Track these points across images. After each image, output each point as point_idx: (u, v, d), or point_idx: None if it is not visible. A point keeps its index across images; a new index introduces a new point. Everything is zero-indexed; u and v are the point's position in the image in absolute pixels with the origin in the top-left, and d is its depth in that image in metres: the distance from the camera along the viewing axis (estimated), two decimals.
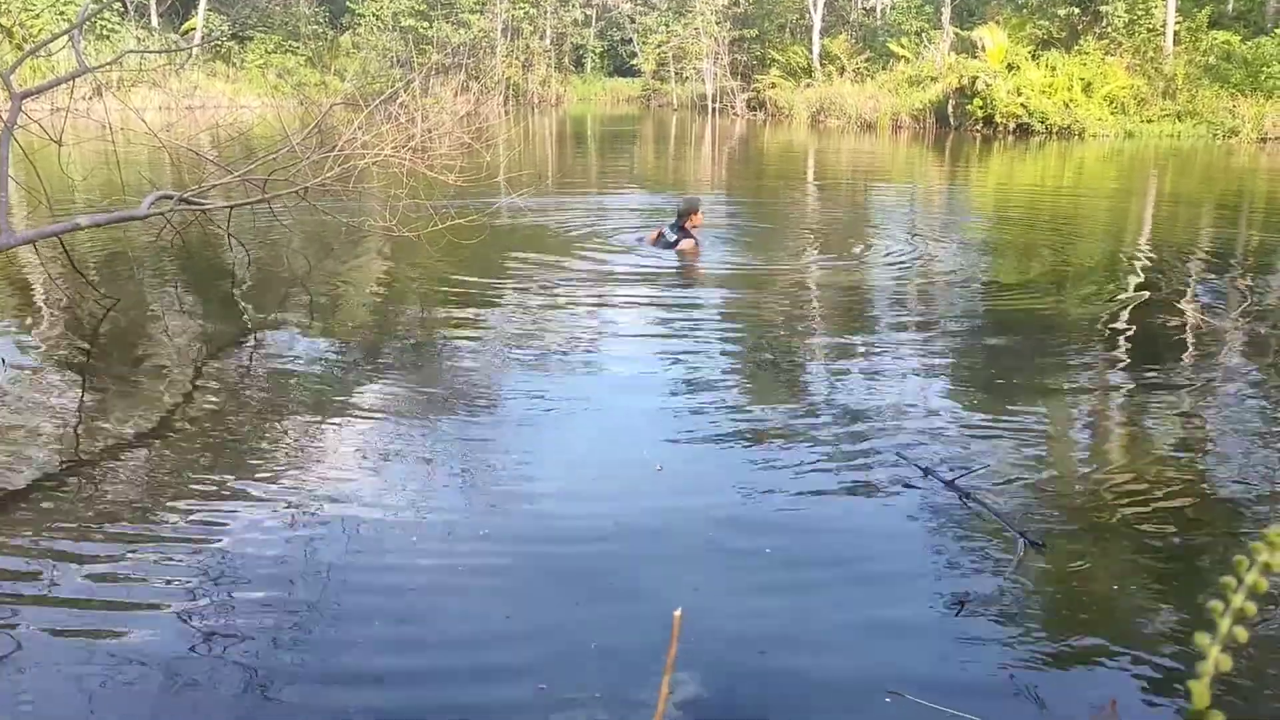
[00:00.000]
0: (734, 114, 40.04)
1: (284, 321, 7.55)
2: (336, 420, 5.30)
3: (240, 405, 5.60)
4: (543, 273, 9.10)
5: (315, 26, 46.79)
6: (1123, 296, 8.62)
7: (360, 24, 44.51)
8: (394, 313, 8.00)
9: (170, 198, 8.06)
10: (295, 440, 5.01)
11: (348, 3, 46.22)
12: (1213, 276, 9.75)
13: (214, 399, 5.71)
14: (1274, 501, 4.41)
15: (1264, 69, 26.56)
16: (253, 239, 9.56)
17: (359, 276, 9.25)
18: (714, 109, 40.99)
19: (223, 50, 40.33)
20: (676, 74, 46.12)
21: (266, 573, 3.67)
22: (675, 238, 9.79)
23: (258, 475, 4.54)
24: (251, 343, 6.95)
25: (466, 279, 8.82)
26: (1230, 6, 32.51)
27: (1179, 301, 8.44)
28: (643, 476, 4.62)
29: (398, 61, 40.79)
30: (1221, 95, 26.41)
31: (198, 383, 6.03)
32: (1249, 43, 28.18)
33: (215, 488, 4.41)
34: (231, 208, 8.66)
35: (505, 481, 4.53)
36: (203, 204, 8.42)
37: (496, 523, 4.13)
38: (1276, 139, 23.71)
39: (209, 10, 41.42)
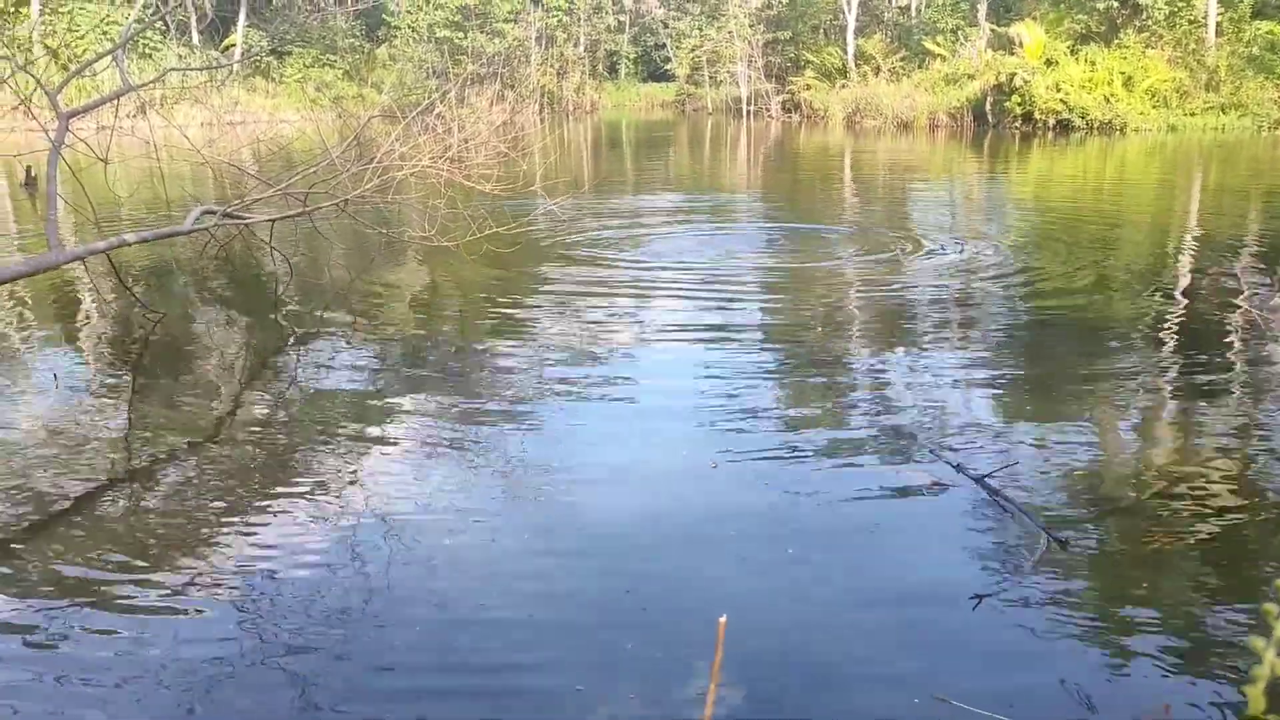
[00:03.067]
0: (769, 116, 39.95)
1: (326, 332, 7.64)
2: (379, 429, 5.36)
3: (285, 415, 5.68)
4: (581, 278, 9.13)
5: (352, 40, 47.33)
6: (1167, 293, 8.49)
7: (396, 36, 45.03)
8: (435, 322, 8.06)
9: (213, 212, 8.18)
10: (339, 449, 5.07)
11: (384, 16, 46.76)
12: (1261, 272, 9.57)
13: (259, 409, 5.79)
14: None
15: None
16: (294, 251, 9.67)
17: (399, 286, 9.33)
18: (749, 112, 40.92)
19: (262, 65, 40.91)
20: (710, 78, 46.11)
21: (312, 580, 3.71)
22: None
23: (302, 484, 4.60)
24: (295, 353, 7.04)
25: (505, 286, 8.88)
26: None
27: (1226, 298, 8.30)
28: (683, 480, 4.63)
29: (434, 72, 41.18)
30: (1266, 86, 25.97)
31: (243, 394, 6.12)
32: None
33: (261, 497, 4.47)
34: (273, 221, 8.77)
35: (548, 486, 4.54)
36: (245, 218, 8.54)
37: (539, 526, 4.15)
38: None
39: (248, 27, 42.06)
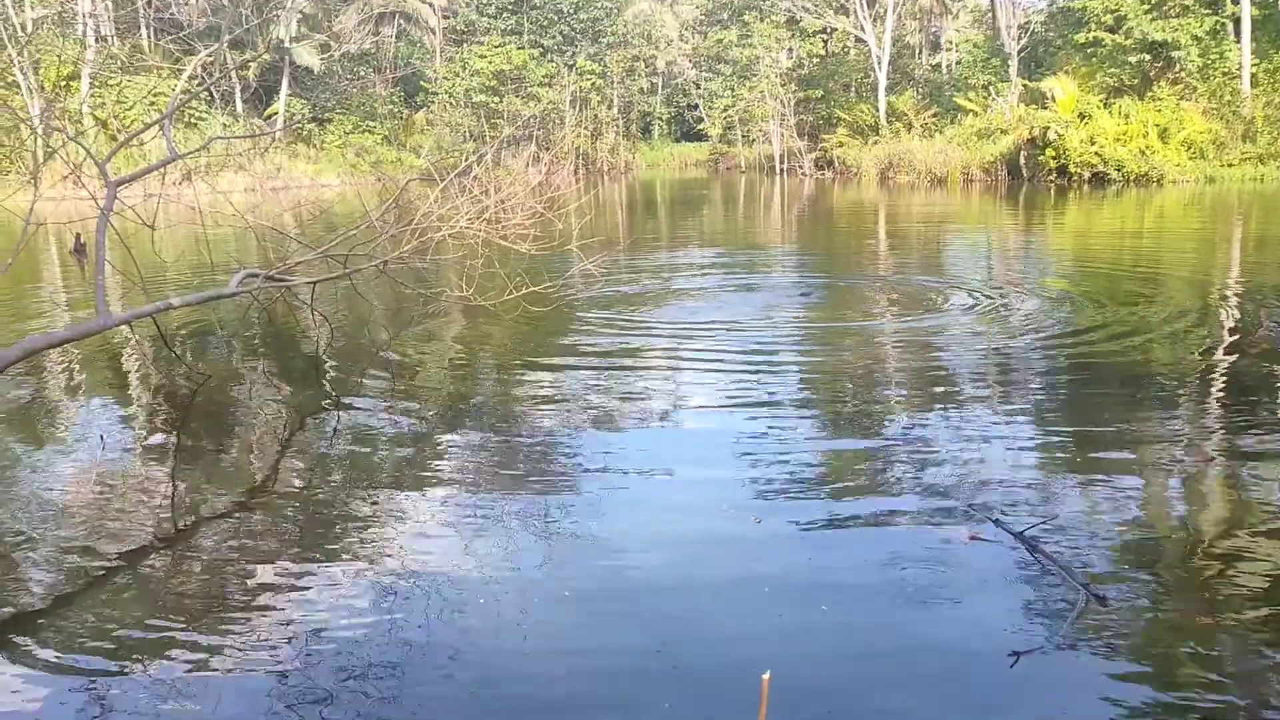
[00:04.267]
0: (802, 174, 40.21)
1: (366, 392, 7.71)
2: (418, 488, 5.37)
3: (325, 476, 5.71)
4: (617, 337, 9.17)
5: (391, 106, 48.45)
6: (1210, 345, 8.38)
7: (434, 102, 46.00)
8: (472, 383, 8.12)
9: (256, 275, 8.34)
10: (379, 509, 5.09)
11: (421, 82, 47.85)
12: None
13: (300, 470, 5.83)
14: None
15: None
16: (335, 312, 9.82)
17: (438, 347, 9.42)
18: (782, 169, 41.22)
19: (304, 133, 41.88)
20: (743, 136, 46.59)
21: (351, 642, 3.71)
22: None
23: (343, 547, 4.61)
24: (335, 414, 7.10)
25: (542, 347, 8.94)
26: None
27: (1269, 349, 8.17)
28: (720, 541, 4.60)
29: (470, 136, 41.92)
30: None
31: (284, 455, 6.17)
32: None
33: (302, 559, 4.49)
34: (315, 283, 8.92)
35: (585, 549, 4.52)
36: (287, 280, 8.69)
37: (576, 589, 4.12)
38: None
39: (290, 96, 43.18)
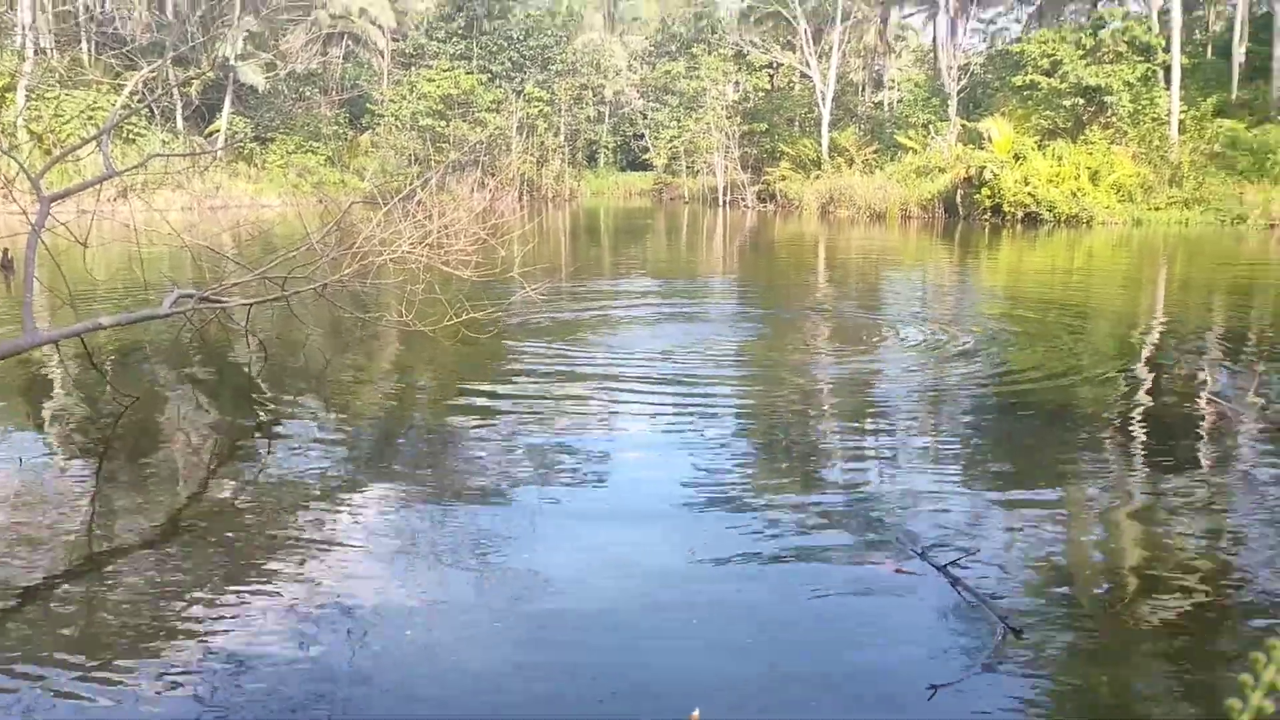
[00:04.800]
0: (745, 206, 40.66)
1: (299, 416, 7.62)
2: (348, 516, 5.32)
3: (253, 501, 5.63)
4: (556, 364, 9.18)
5: (336, 127, 48.07)
6: (1134, 384, 8.62)
7: (379, 124, 45.74)
8: (409, 407, 8.06)
9: (190, 296, 8.21)
10: (306, 536, 5.02)
11: (368, 104, 47.58)
12: (1226, 364, 9.75)
13: (227, 495, 5.74)
14: (1276, 603, 4.35)
15: (1270, 156, 26.92)
16: (270, 335, 9.69)
17: (375, 371, 9.35)
18: (725, 201, 41.63)
19: (245, 151, 41.39)
20: (688, 167, 47.00)
21: (276, 671, 3.65)
22: None
23: (269, 573, 4.55)
24: (266, 438, 7.01)
25: (481, 372, 8.91)
26: (1235, 95, 33.07)
27: (1192, 390, 8.44)
28: (653, 569, 4.62)
29: (415, 159, 41.75)
30: (1228, 182, 26.72)
31: (211, 479, 6.07)
32: (1255, 130, 28.60)
33: (227, 584, 4.41)
34: (251, 305, 8.81)
35: (517, 576, 4.51)
36: (222, 302, 8.57)
37: (507, 615, 4.11)
38: None
39: (233, 114, 42.64)
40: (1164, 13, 33.43)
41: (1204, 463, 6.36)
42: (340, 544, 4.91)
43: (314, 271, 9.06)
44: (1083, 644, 3.96)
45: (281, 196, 37.42)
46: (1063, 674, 3.74)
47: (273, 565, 4.64)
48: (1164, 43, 31.03)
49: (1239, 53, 34.38)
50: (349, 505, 5.49)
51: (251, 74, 42.25)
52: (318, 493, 5.73)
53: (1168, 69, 30.81)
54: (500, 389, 8.38)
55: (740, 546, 4.84)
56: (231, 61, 41.34)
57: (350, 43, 52.32)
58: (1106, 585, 4.48)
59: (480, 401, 7.98)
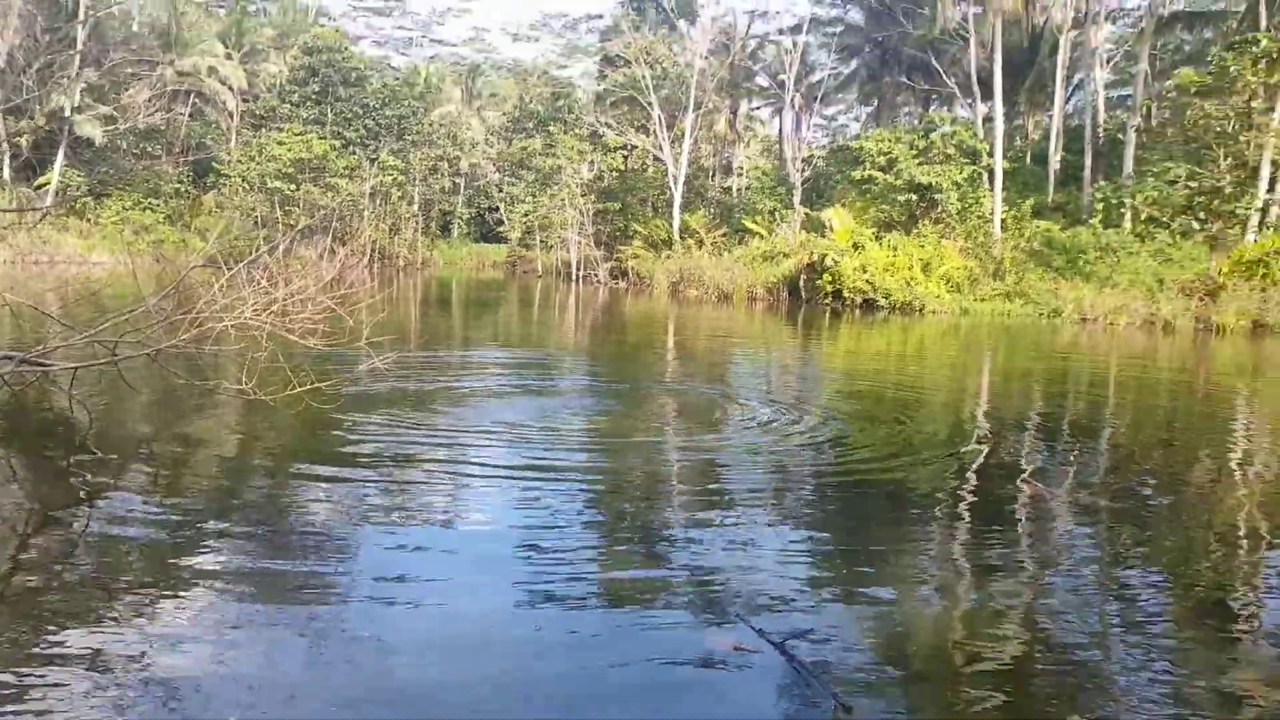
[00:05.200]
0: (597, 281, 41.20)
1: (125, 487, 7.24)
2: (174, 590, 5.07)
3: (69, 575, 5.30)
4: (401, 437, 9.04)
5: (178, 185, 46.50)
6: (963, 465, 9.09)
7: (226, 184, 44.50)
8: (244, 478, 7.78)
9: (11, 358, 7.76)
10: (128, 612, 4.76)
11: (214, 163, 46.26)
12: (1043, 445, 10.42)
13: (41, 570, 5.39)
14: (1099, 667, 4.65)
15: (1081, 255, 29.14)
16: (97, 401, 9.21)
17: (210, 441, 8.99)
18: (578, 276, 42.09)
19: (78, 206, 39.50)
20: (542, 241, 47.41)
21: None
22: None
23: (84, 650, 4.28)
24: (87, 510, 6.62)
25: (322, 443, 8.69)
26: (1050, 199, 35.81)
27: (1014, 468, 8.97)
28: (495, 643, 4.58)
29: (262, 222, 40.69)
30: (1045, 278, 28.73)
31: (24, 552, 5.69)
32: (1068, 232, 30.96)
33: (38, 663, 4.13)
34: (76, 369, 8.37)
35: (355, 651, 4.39)
36: (46, 364, 8.13)
37: (344, 692, 3.99)
38: (1094, 320, 25.78)
39: (66, 166, 40.75)
40: (988, 120, 36.09)
41: (1024, 540, 6.75)
42: (165, 620, 4.67)
43: (148, 335, 8.69)
44: (910, 717, 4.13)
45: (115, 254, 35.75)
46: None
47: (91, 641, 4.37)
48: (988, 148, 33.44)
49: (1054, 160, 37.35)
50: (176, 579, 5.24)
51: (89, 126, 40.57)
52: (142, 567, 5.45)
53: (991, 172, 33.16)
54: (341, 461, 8.18)
55: (583, 620, 4.86)
56: (67, 113, 39.62)
57: (198, 101, 50.95)
58: (934, 659, 4.69)
59: (320, 472, 7.77)
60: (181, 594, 5.03)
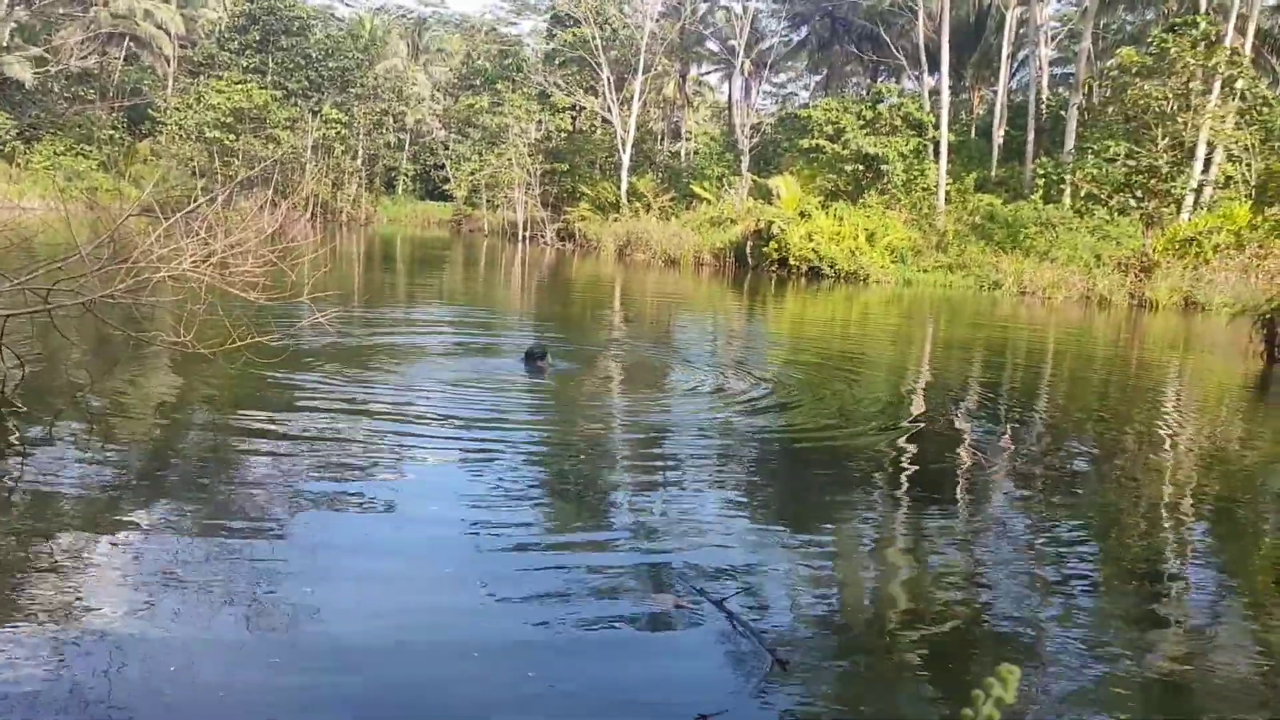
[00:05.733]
0: (544, 243, 40.93)
1: (58, 438, 7.08)
2: (109, 543, 4.98)
3: (2, 525, 5.18)
4: (342, 393, 8.94)
5: (112, 131, 45.16)
6: (902, 432, 9.24)
7: (162, 132, 43.29)
8: (181, 431, 7.64)
9: None
10: (62, 562, 4.67)
11: (150, 110, 44.95)
12: (981, 414, 10.63)
13: None
14: (1028, 628, 4.79)
15: (1022, 230, 29.58)
16: (28, 350, 8.96)
17: (147, 393, 8.81)
18: (524, 237, 41.77)
19: (6, 149, 38.19)
20: (488, 201, 46.88)
21: (28, 698, 3.38)
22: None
23: (18, 600, 4.20)
24: (18, 462, 6.47)
25: (262, 397, 8.56)
26: (994, 173, 36.27)
27: (952, 437, 9.14)
28: (437, 605, 4.58)
29: (200, 172, 39.69)
30: (986, 251, 29.13)
31: None
32: (1009, 206, 31.40)
33: None
34: (7, 317, 8.12)
35: (294, 610, 4.36)
36: None
37: (282, 649, 3.98)
38: (1033, 293, 26.25)
39: None
40: (934, 93, 36.36)
41: (961, 506, 6.90)
42: (99, 572, 4.60)
43: (82, 284, 8.45)
44: (846, 673, 4.23)
45: (46, 200, 34.67)
46: (824, 702, 3.99)
47: (25, 593, 4.29)
48: (934, 121, 33.71)
49: (998, 135, 37.79)
50: (112, 532, 5.15)
51: (19, 68, 39.15)
52: (77, 519, 5.35)
53: (937, 144, 33.47)
54: (281, 416, 8.07)
55: (525, 580, 4.88)
56: None
57: (133, 45, 49.38)
58: (869, 618, 4.80)
59: (259, 427, 7.66)
60: (115, 548, 4.95)
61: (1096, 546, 6.20)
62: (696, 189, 38.79)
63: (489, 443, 7.63)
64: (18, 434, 7.10)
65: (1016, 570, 5.57)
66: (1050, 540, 6.20)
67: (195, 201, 10.20)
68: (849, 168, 32.80)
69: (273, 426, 7.69)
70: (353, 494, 6.10)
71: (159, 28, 48.36)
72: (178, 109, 43.25)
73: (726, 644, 4.30)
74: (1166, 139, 28.56)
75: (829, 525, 6.25)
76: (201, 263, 8.59)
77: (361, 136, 50.59)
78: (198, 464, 6.69)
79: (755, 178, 37.40)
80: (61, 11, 43.69)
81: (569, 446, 7.86)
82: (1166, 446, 9.41)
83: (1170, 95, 28.29)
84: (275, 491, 6.07)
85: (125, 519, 5.41)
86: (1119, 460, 8.73)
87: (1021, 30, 39.95)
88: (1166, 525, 6.83)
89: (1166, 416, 11.07)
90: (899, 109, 33.75)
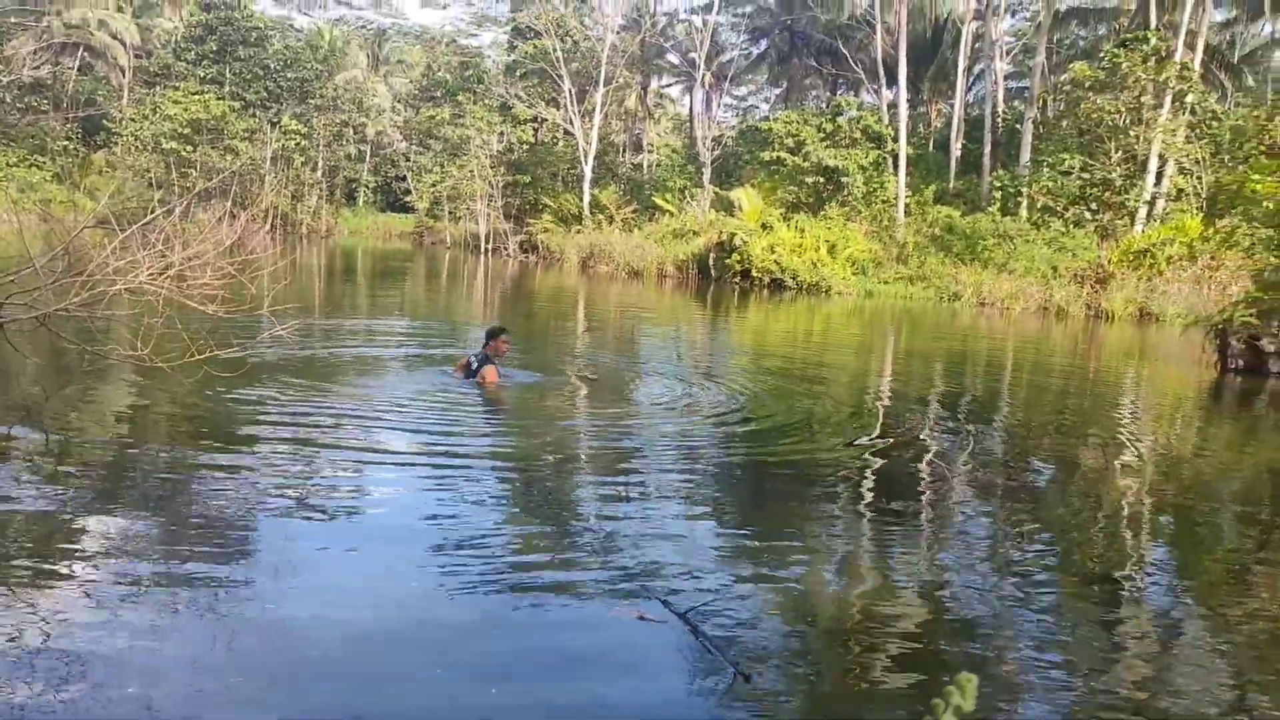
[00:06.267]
0: (506, 255, 40.84)
1: (12, 452, 6.93)
2: (65, 560, 4.88)
3: None
4: (303, 406, 8.84)
5: (66, 142, 44.51)
6: (865, 442, 9.30)
7: (117, 143, 42.74)
8: (139, 446, 7.52)
9: None
10: (16, 576, 4.57)
11: (104, 121, 44.36)
12: (943, 424, 10.72)
13: None
14: (989, 636, 4.83)
15: (980, 242, 29.96)
16: None
17: (102, 408, 8.66)
18: (487, 249, 41.66)
19: None
20: (450, 213, 46.72)
21: None
22: (477, 365, 10.00)
23: None
24: None
25: (221, 412, 8.45)
26: (952, 185, 36.72)
27: (915, 447, 9.21)
28: (400, 616, 4.53)
29: (157, 184, 39.19)
30: (945, 263, 29.47)
31: None
32: (968, 218, 31.80)
33: None
34: None
35: (254, 625, 4.30)
36: None
37: (246, 666, 3.91)
38: (992, 304, 26.57)
39: None
40: (892, 106, 36.77)
41: (923, 516, 6.95)
42: (55, 586, 4.51)
43: (36, 298, 8.30)
44: (808, 686, 4.23)
45: None
46: (786, 715, 3.98)
47: None
48: (893, 134, 34.07)
49: (956, 148, 38.28)
50: (67, 549, 5.05)
51: None
52: (31, 536, 5.24)
53: (896, 157, 33.82)
54: (240, 430, 7.97)
55: (487, 590, 4.85)
56: None
57: (87, 55, 48.72)
58: (834, 631, 4.80)
59: (218, 441, 7.56)
60: (70, 565, 4.85)
61: (1057, 553, 6.27)
62: (659, 201, 38.89)
63: (450, 456, 7.59)
64: None
65: (978, 579, 5.62)
66: (1011, 548, 6.27)
67: (152, 213, 10.06)
68: (810, 180, 33.04)
69: (231, 441, 7.59)
70: (313, 509, 6.02)
71: (114, 38, 47.80)
72: (134, 120, 42.71)
73: (690, 657, 4.29)
74: (1119, 152, 29.09)
75: (792, 537, 6.26)
76: (159, 275, 8.47)
77: (321, 148, 50.24)
78: (155, 480, 6.58)
79: (717, 190, 37.56)
80: (13, 21, 43.01)
81: (531, 458, 7.83)
82: (1124, 455, 9.55)
83: (1122, 109, 28.84)
84: (235, 507, 5.98)
85: (78, 536, 5.30)
86: (1078, 468, 8.85)
87: (977, 45, 40.54)
88: (1125, 532, 6.92)
89: (1124, 425, 11.24)
90: (858, 122, 34.08)
